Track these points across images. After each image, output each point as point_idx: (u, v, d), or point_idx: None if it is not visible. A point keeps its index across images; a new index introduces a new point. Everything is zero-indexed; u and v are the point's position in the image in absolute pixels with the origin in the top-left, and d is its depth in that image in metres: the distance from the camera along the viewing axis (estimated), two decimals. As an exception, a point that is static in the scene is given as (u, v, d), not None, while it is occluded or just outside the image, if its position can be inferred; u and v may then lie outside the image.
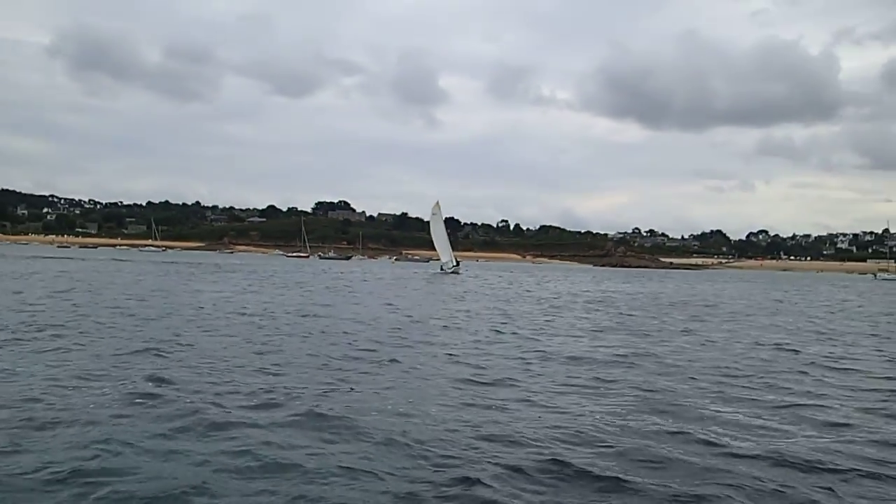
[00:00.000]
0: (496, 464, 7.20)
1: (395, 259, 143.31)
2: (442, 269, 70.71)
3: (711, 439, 8.32)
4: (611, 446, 7.96)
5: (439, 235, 72.44)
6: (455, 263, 71.33)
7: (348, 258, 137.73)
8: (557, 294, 41.44)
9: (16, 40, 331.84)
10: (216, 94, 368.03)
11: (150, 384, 10.21)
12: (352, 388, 10.61)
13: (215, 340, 15.33)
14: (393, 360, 13.29)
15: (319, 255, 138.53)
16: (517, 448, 7.78)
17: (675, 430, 8.71)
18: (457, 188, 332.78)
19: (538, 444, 7.96)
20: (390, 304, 28.10)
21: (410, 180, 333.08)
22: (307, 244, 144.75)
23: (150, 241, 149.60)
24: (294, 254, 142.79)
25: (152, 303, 24.34)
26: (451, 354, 14.66)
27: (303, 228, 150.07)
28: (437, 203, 73.66)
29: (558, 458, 7.43)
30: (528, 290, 44.47)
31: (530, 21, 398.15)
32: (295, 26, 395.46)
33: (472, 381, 11.63)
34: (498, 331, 19.55)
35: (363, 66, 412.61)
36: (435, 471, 6.99)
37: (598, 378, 12.25)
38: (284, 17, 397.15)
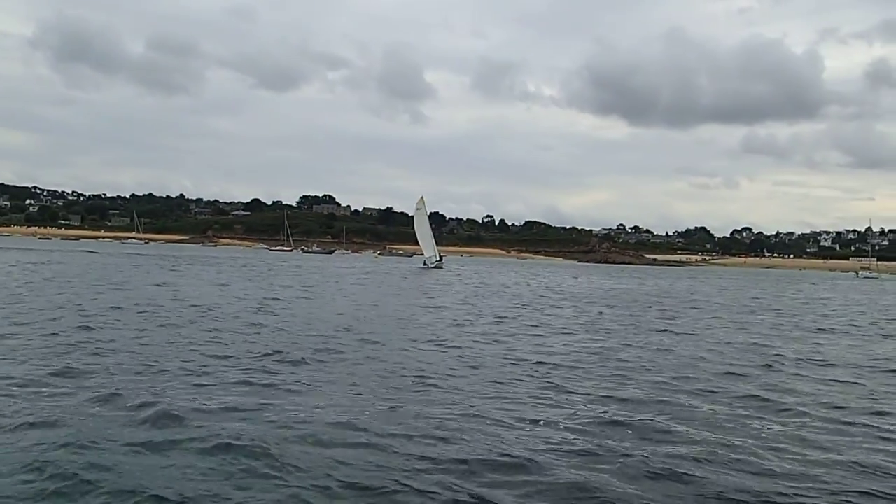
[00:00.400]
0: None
1: (379, 253, 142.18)
2: (425, 264, 70.59)
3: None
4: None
5: (423, 231, 72.54)
6: (438, 258, 71.17)
7: (331, 252, 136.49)
8: (534, 290, 40.98)
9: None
10: (201, 87, 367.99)
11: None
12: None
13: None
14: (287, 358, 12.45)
15: (303, 249, 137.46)
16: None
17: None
18: (442, 184, 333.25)
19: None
20: (351, 300, 27.53)
21: (396, 175, 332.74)
22: (290, 238, 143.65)
23: (132, 234, 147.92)
24: (277, 248, 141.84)
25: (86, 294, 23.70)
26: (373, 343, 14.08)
27: (286, 222, 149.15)
28: (422, 198, 74.17)
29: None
30: (504, 286, 44.06)
31: (516, 17, 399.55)
32: (279, 20, 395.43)
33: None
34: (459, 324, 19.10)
35: (348, 61, 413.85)
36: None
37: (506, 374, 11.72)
38: (269, 10, 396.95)
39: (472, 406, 9.21)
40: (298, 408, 8.70)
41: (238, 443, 7.10)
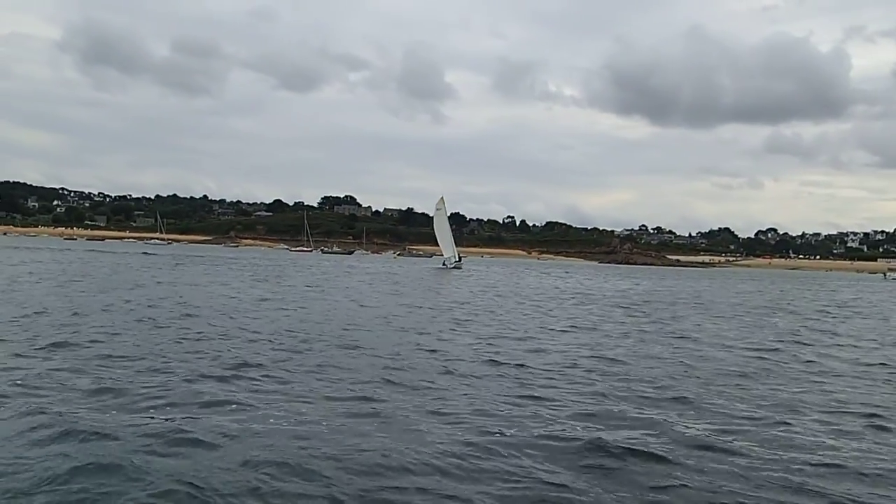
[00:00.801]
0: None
1: (398, 254, 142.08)
2: (444, 265, 70.82)
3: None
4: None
5: (443, 231, 72.67)
6: (458, 259, 71.38)
7: (350, 253, 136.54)
8: (549, 289, 40.31)
9: (26, 35, 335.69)
10: (223, 88, 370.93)
11: None
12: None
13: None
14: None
15: (322, 250, 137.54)
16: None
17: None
18: (462, 184, 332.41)
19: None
20: (355, 302, 27.10)
21: (416, 175, 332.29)
22: (310, 239, 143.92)
23: (155, 235, 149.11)
24: (297, 248, 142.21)
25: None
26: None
27: (305, 223, 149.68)
28: (442, 199, 74.48)
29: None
30: (517, 286, 43.60)
31: (535, 16, 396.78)
32: (300, 21, 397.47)
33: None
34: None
35: (368, 62, 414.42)
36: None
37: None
38: (289, 12, 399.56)
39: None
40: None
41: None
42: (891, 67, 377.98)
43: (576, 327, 19.89)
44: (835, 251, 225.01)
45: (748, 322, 23.85)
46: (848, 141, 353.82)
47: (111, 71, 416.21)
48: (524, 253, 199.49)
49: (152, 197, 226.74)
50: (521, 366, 12.45)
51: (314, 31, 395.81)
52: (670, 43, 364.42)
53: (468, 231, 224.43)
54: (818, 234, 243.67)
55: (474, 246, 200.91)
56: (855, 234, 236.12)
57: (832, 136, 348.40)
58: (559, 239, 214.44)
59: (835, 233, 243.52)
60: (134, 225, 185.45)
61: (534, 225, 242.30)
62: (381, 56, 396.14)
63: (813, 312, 29.93)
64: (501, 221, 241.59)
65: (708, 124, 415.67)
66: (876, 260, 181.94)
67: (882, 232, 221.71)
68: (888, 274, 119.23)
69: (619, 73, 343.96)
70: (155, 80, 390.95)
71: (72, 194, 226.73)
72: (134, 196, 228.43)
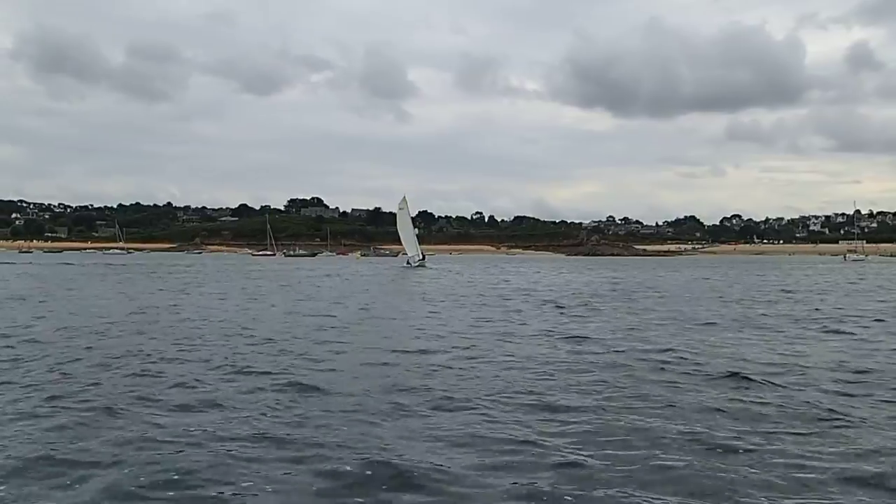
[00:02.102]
0: None
1: (362, 254, 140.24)
2: (408, 263, 69.83)
3: None
4: None
5: (406, 230, 72.11)
6: (421, 257, 70.71)
7: (314, 255, 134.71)
8: (491, 285, 38.62)
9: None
10: (183, 93, 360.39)
11: None
12: None
13: None
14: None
15: (284, 253, 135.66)
16: None
17: None
18: (430, 181, 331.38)
19: None
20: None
21: (383, 175, 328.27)
22: (273, 242, 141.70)
23: (114, 244, 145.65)
24: (260, 252, 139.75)
25: None
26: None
27: (268, 227, 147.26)
28: (405, 198, 74.27)
29: None
30: (469, 282, 42.06)
31: (496, 12, 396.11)
32: (259, 23, 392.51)
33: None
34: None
35: (330, 62, 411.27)
36: None
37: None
38: (248, 14, 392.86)
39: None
40: None
41: None
42: (843, 53, 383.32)
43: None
44: (798, 235, 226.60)
45: (655, 314, 22.15)
46: (805, 126, 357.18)
47: (66, 78, 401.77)
48: (493, 248, 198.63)
49: (115, 206, 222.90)
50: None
51: (274, 32, 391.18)
52: (629, 35, 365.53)
53: (436, 228, 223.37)
54: (781, 219, 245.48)
55: (443, 243, 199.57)
56: (817, 217, 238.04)
57: (789, 122, 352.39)
58: (527, 233, 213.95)
59: (797, 217, 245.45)
60: (96, 235, 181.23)
61: (502, 220, 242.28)
62: (342, 56, 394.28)
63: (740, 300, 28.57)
64: (470, 218, 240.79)
65: (669, 114, 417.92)
66: (837, 242, 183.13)
67: (843, 214, 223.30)
68: (848, 256, 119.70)
69: (579, 66, 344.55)
70: (112, 87, 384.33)
71: (31, 206, 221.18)
72: (96, 206, 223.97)
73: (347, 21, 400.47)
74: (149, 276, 47.77)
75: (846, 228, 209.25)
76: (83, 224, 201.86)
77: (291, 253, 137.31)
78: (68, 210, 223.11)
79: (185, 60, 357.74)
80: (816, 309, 23.84)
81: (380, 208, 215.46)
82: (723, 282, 44.97)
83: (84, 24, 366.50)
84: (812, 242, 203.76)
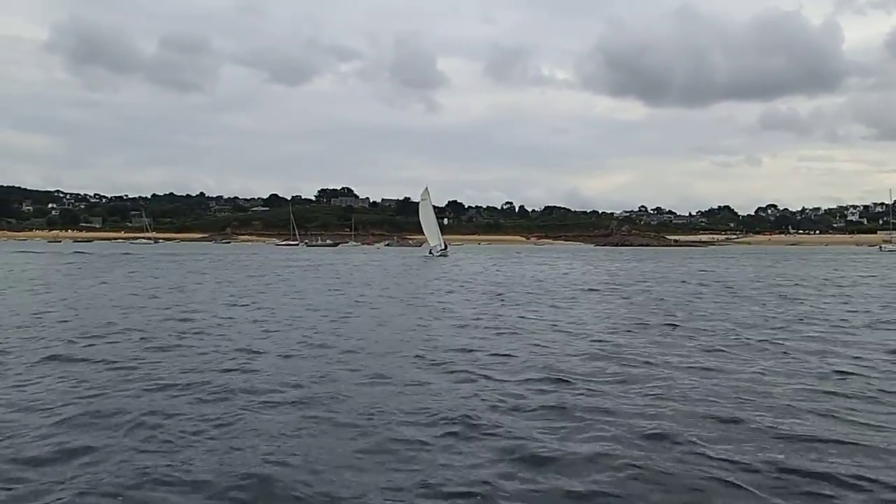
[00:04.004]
0: None
1: (386, 244, 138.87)
2: (430, 253, 70.88)
3: None
4: None
5: (428, 220, 73.01)
6: (443, 247, 71.63)
7: (335, 245, 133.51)
8: (491, 277, 36.06)
9: (13, 36, 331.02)
10: (214, 83, 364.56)
11: None
12: None
13: None
14: None
15: (306, 243, 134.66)
16: None
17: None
18: (461, 171, 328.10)
19: None
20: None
21: (413, 165, 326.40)
22: (296, 232, 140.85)
23: (142, 234, 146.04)
24: (284, 242, 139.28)
25: None
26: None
27: (291, 217, 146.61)
28: (426, 189, 74.97)
29: None
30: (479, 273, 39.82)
31: (525, 1, 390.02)
32: (289, 13, 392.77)
33: None
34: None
35: (359, 52, 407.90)
36: None
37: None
38: (276, 4, 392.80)
39: None
40: None
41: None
42: (883, 39, 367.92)
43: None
44: (835, 225, 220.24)
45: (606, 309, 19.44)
46: (844, 114, 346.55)
47: (101, 70, 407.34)
48: (523, 239, 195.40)
49: (149, 196, 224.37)
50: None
51: (303, 22, 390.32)
52: (661, 23, 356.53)
53: (466, 219, 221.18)
54: (818, 209, 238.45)
55: (472, 233, 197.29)
56: (855, 207, 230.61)
57: (827, 110, 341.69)
58: (557, 223, 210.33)
59: (835, 207, 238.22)
60: (129, 225, 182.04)
61: (532, 210, 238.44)
62: (371, 46, 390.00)
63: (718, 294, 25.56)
64: (500, 208, 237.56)
65: (702, 103, 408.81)
66: (875, 232, 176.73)
67: (882, 204, 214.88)
68: (883, 246, 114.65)
69: (610, 54, 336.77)
70: (146, 78, 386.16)
71: (67, 196, 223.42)
72: (130, 196, 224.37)
73: (376, 10, 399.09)
74: (133, 267, 45.78)
75: (885, 218, 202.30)
76: (117, 214, 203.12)
77: (314, 243, 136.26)
78: (103, 200, 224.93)
79: (216, 51, 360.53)
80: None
81: (409, 198, 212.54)
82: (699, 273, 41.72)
83: (117, 16, 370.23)
84: (849, 233, 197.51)
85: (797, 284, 31.44)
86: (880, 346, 12.47)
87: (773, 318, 17.30)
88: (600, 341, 13.06)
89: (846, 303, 21.81)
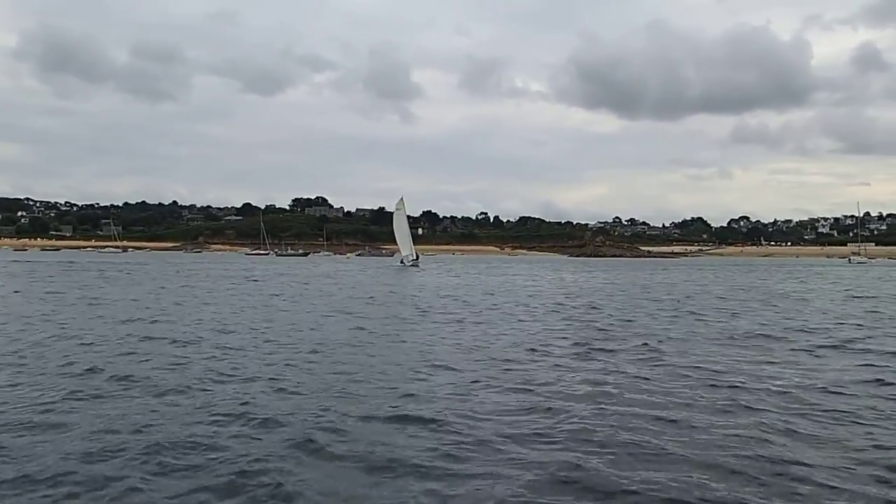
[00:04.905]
0: None
1: (357, 254, 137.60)
2: (402, 263, 71.55)
3: None
4: None
5: (402, 230, 73.55)
6: (415, 257, 71.26)
7: (305, 254, 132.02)
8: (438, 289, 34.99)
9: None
10: (188, 93, 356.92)
11: None
12: None
13: None
14: None
15: (276, 252, 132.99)
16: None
17: None
18: (437, 183, 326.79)
19: None
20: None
21: (388, 176, 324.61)
22: (267, 242, 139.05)
23: (109, 243, 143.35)
24: (254, 251, 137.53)
25: None
26: None
27: (262, 226, 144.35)
28: (402, 199, 75.64)
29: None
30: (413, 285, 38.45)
31: (500, 14, 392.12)
32: (263, 23, 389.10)
33: None
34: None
35: (334, 62, 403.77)
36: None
37: None
38: (250, 14, 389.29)
39: None
40: None
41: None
42: (849, 54, 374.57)
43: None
44: (806, 237, 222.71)
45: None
46: (812, 128, 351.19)
47: (71, 78, 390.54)
48: (497, 249, 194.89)
49: (120, 205, 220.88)
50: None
51: (277, 32, 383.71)
52: (633, 37, 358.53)
53: (441, 229, 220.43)
54: (789, 221, 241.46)
55: (447, 244, 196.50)
56: (826, 219, 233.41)
57: (797, 124, 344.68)
58: (532, 234, 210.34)
59: (806, 219, 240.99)
60: (100, 234, 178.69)
61: (507, 221, 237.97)
62: (346, 56, 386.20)
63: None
64: (475, 218, 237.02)
65: (675, 116, 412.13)
66: (846, 244, 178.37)
67: (851, 216, 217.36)
68: (852, 258, 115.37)
69: (584, 67, 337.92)
70: (118, 87, 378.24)
71: (38, 205, 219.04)
72: (102, 205, 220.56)
73: (351, 21, 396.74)
74: (69, 276, 44.35)
75: (855, 231, 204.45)
76: (88, 223, 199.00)
77: (283, 252, 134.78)
78: (74, 209, 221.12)
79: (189, 60, 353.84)
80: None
81: (384, 208, 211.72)
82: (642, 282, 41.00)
83: (87, 24, 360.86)
84: (820, 244, 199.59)
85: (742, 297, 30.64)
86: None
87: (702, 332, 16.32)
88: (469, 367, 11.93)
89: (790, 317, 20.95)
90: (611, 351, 13.29)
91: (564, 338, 15.30)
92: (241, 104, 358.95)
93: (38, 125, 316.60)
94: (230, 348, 13.05)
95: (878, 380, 10.38)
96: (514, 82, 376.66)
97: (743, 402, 8.79)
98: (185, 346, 13.40)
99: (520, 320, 19.34)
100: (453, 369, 11.13)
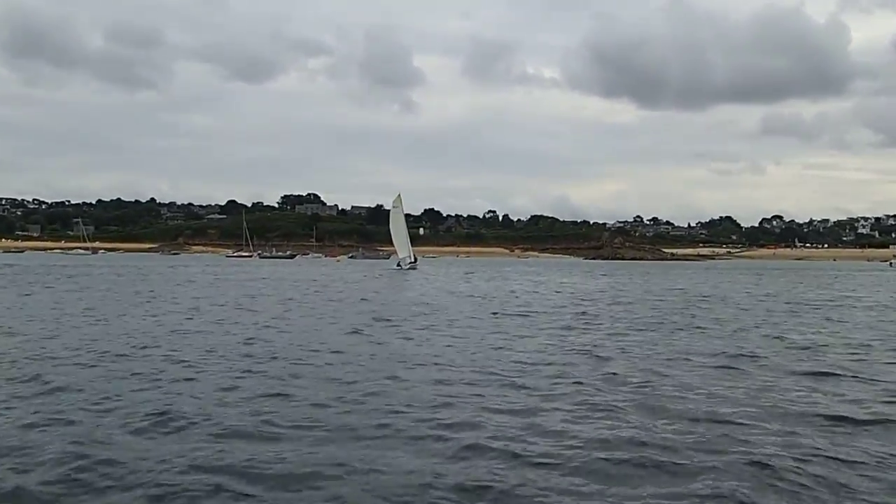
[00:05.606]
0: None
1: (350, 256, 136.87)
2: (399, 266, 71.50)
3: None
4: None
5: (399, 230, 73.70)
6: (413, 259, 72.24)
7: (293, 257, 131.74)
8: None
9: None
10: (169, 81, 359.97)
11: None
12: None
13: None
14: None
15: (259, 254, 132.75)
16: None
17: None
18: (440, 178, 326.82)
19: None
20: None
21: (387, 170, 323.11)
22: (251, 243, 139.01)
23: (79, 244, 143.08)
24: (236, 253, 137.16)
25: None
26: None
27: (245, 225, 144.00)
28: (399, 196, 75.52)
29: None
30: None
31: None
32: (250, 5, 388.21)
33: None
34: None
35: (328, 47, 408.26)
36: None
37: None
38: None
39: None
40: None
41: None
42: (891, 39, 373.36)
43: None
44: (844, 238, 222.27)
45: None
46: (850, 119, 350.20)
47: (41, 64, 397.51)
48: (506, 251, 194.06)
49: (94, 202, 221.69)
50: None
51: (266, 15, 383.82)
52: (654, 17, 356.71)
53: (444, 228, 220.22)
54: (826, 221, 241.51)
55: (451, 245, 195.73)
56: (866, 219, 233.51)
57: (833, 115, 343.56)
58: (545, 234, 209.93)
59: (844, 218, 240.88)
60: (71, 234, 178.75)
61: (518, 220, 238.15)
62: (341, 41, 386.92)
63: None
64: (482, 217, 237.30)
65: (700, 105, 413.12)
66: (888, 246, 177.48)
67: (894, 216, 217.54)
68: (894, 262, 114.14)
69: (600, 51, 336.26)
70: (92, 74, 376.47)
71: (3, 202, 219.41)
72: (73, 202, 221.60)
73: (346, 3, 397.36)
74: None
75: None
76: (58, 222, 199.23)
77: (267, 254, 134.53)
78: (43, 206, 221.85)
79: (170, 45, 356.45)
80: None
81: (381, 206, 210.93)
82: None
83: (58, 6, 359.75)
84: (860, 246, 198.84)
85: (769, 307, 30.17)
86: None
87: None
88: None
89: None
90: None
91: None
92: (227, 93, 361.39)
93: (4, 115, 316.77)
94: None
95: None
96: (523, 68, 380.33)
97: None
98: None
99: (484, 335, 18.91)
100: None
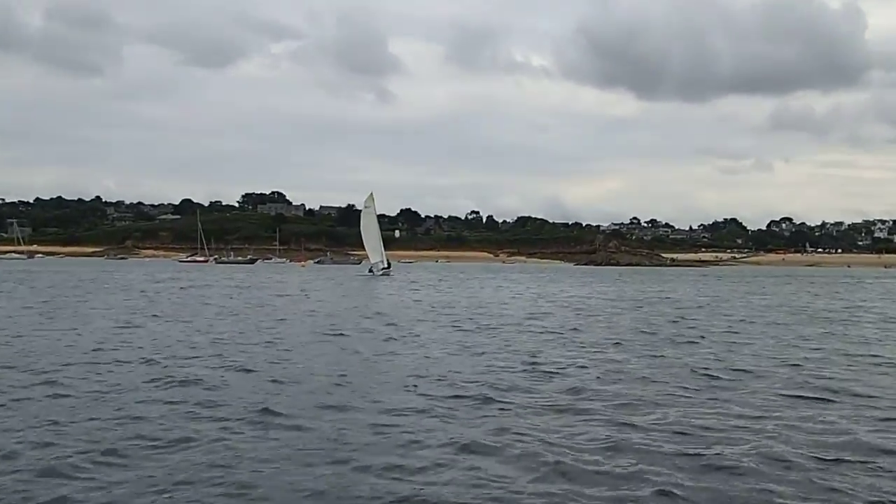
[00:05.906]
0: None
1: (316, 261, 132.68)
2: (371, 271, 71.17)
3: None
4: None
5: (371, 232, 73.08)
6: (386, 265, 71.87)
7: (252, 262, 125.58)
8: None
9: None
10: (118, 66, 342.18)
11: None
12: None
13: None
14: None
15: (216, 259, 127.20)
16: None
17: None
18: (418, 175, 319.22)
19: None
20: None
21: (361, 167, 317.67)
22: (206, 246, 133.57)
23: (12, 248, 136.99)
24: (190, 258, 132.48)
25: None
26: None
27: (199, 226, 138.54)
28: (371, 195, 75.40)
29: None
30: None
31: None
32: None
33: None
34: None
35: (296, 30, 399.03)
36: None
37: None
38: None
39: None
40: None
41: None
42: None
43: None
44: (860, 243, 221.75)
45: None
46: (866, 113, 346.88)
47: None
48: (490, 255, 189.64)
49: (31, 201, 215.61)
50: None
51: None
52: (653, 1, 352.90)
53: (423, 231, 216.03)
54: (840, 224, 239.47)
55: (431, 248, 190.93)
56: (883, 222, 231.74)
57: (848, 108, 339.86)
58: (533, 237, 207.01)
59: (859, 221, 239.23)
60: (4, 236, 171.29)
61: (504, 221, 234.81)
62: (310, 23, 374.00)
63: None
64: (465, 218, 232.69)
65: (703, 97, 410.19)
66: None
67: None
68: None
69: (596, 38, 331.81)
70: (32, 58, 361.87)
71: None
72: (8, 201, 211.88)
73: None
74: None
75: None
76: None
77: (225, 259, 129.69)
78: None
79: (119, 26, 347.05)
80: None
81: (353, 206, 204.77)
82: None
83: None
84: (877, 251, 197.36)
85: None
86: None
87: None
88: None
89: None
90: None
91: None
92: (183, 79, 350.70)
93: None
94: None
95: None
96: (512, 55, 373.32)
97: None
98: None
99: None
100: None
